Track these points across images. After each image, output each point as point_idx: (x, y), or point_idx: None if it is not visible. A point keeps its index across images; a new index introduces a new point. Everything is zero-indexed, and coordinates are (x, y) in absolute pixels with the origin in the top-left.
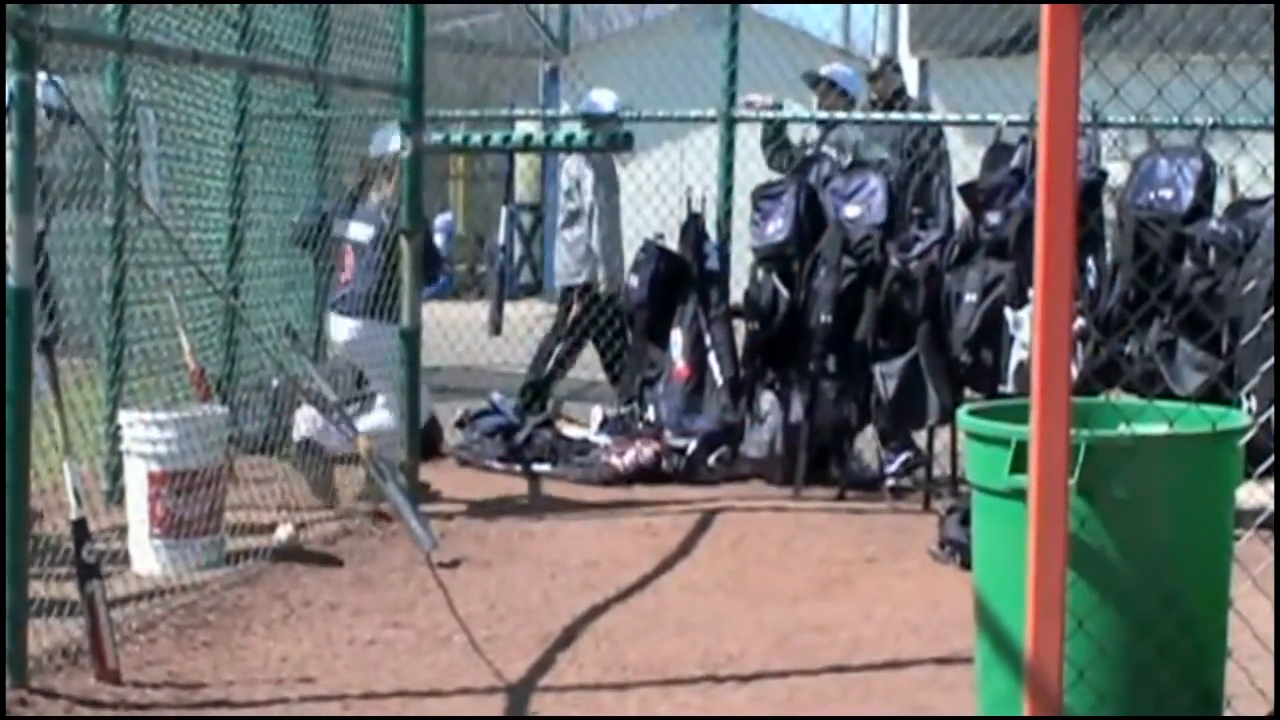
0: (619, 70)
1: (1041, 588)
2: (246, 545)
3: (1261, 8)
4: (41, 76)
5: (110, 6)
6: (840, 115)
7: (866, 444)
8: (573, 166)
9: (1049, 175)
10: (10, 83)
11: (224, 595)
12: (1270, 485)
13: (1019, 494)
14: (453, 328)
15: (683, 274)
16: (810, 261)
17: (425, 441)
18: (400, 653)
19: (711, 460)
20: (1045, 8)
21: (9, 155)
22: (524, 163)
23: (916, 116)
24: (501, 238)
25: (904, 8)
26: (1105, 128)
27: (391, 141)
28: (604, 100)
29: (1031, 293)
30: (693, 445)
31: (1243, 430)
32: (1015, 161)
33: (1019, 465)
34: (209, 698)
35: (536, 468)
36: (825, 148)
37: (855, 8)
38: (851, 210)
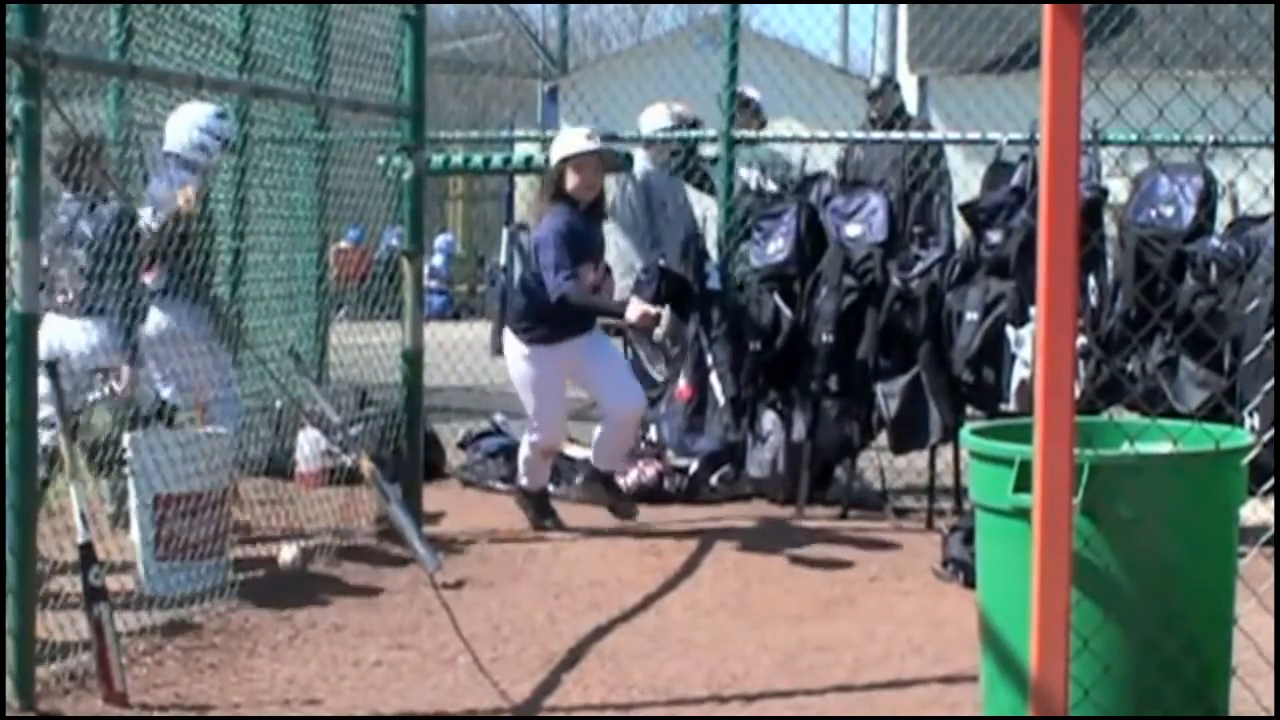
0: (618, 91)
1: (1046, 607)
2: (252, 567)
3: (1261, 24)
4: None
5: (113, 33)
6: (842, 135)
7: (869, 463)
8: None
9: (1051, 189)
10: (15, 109)
11: (230, 617)
12: (1273, 503)
13: (1023, 513)
14: (454, 348)
15: (684, 294)
16: (811, 281)
17: (427, 463)
18: (405, 674)
19: (714, 480)
20: (1046, 8)
21: (14, 182)
22: (525, 184)
23: (916, 135)
24: (503, 258)
25: (903, 26)
26: (1106, 145)
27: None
28: (655, 119)
29: (1033, 311)
30: (695, 465)
31: (1246, 449)
32: (1016, 180)
33: (1023, 484)
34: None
35: None
36: (743, 168)
37: (854, 26)
38: (852, 229)
